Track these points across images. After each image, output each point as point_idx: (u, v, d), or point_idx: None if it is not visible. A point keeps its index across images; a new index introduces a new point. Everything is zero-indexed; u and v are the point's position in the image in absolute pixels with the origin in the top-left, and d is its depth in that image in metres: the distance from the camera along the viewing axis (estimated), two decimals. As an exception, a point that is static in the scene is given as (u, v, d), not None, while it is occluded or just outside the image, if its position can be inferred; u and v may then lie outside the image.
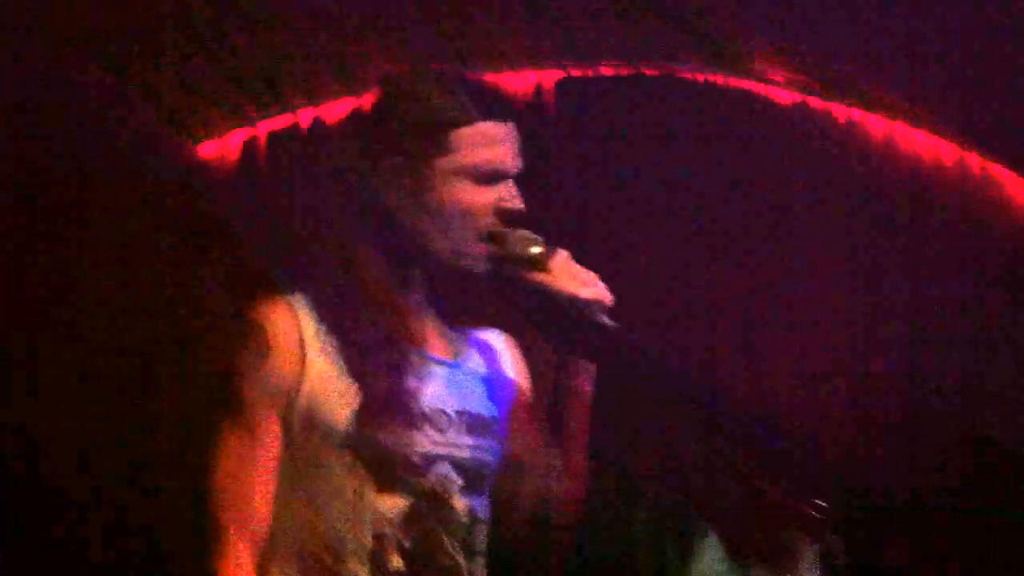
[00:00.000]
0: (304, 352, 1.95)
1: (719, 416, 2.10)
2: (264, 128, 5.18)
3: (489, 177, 1.98)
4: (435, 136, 1.97)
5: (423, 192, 1.97)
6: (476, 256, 1.99)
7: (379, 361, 1.94)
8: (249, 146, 5.19)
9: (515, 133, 2.02)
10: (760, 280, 5.05)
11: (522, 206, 2.00)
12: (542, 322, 1.99)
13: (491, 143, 1.98)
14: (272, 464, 1.95)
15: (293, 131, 5.14)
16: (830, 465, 4.71)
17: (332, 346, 1.96)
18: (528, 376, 2.19)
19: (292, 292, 2.01)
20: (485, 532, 2.05)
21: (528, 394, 2.17)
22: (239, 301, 2.08)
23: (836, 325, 5.06)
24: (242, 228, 4.83)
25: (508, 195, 1.99)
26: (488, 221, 1.98)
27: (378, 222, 1.98)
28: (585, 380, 2.02)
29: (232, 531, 1.93)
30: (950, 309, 5.10)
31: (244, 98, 5.00)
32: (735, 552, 3.98)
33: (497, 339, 2.18)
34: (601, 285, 1.96)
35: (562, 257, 1.96)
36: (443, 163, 1.97)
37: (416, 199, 1.97)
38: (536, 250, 1.97)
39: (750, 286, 5.04)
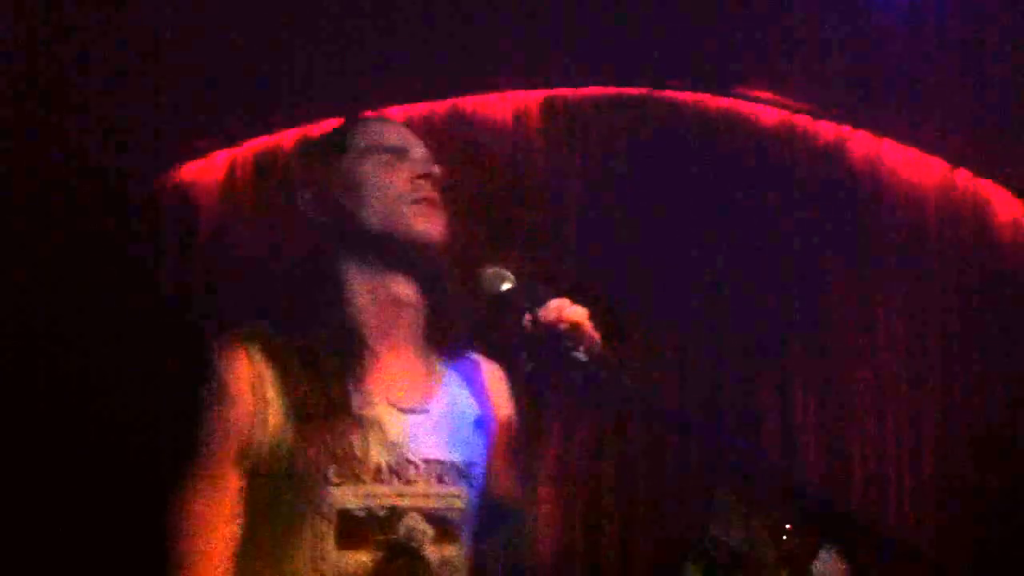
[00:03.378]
0: (261, 403, 1.91)
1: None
2: (248, 148, 5.17)
3: (393, 155, 2.04)
4: (344, 135, 2.08)
5: (343, 177, 2.02)
6: (416, 222, 1.99)
7: (340, 414, 1.90)
8: (234, 166, 5.17)
9: (410, 131, 2.11)
10: (747, 299, 5.02)
11: (436, 169, 2.04)
12: (530, 367, 1.92)
13: (386, 130, 2.08)
14: (234, 514, 1.91)
15: (277, 152, 5.11)
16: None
17: (291, 398, 1.91)
18: (511, 407, 2.12)
19: (252, 339, 1.97)
20: None
21: (510, 429, 2.10)
22: (202, 349, 2.02)
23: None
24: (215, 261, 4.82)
25: (420, 162, 2.04)
26: (407, 190, 2.01)
27: (314, 253, 2.01)
28: (561, 426, 1.95)
29: None
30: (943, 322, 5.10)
31: (229, 118, 4.97)
32: None
33: (478, 369, 2.11)
34: (590, 328, 1.87)
35: (553, 301, 1.90)
36: (346, 155, 2.04)
37: (338, 185, 2.02)
38: (507, 285, 1.95)
39: (736, 303, 5.02)
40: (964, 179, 5.26)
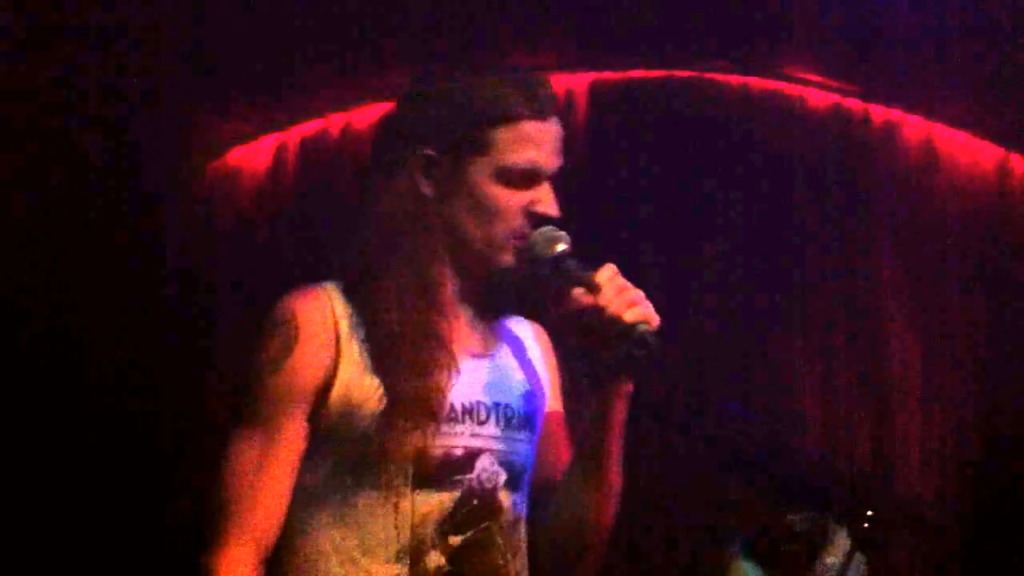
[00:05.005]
0: (339, 344, 1.88)
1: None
2: (295, 133, 5.18)
3: (525, 179, 1.92)
4: (475, 133, 1.92)
5: (459, 187, 1.93)
6: (506, 255, 1.93)
7: (413, 355, 1.87)
8: (281, 151, 5.19)
9: (558, 131, 1.95)
10: (785, 283, 4.96)
11: (556, 211, 1.93)
12: (581, 342, 1.89)
13: (531, 144, 1.92)
14: (289, 465, 1.86)
15: (323, 136, 5.13)
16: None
17: (366, 340, 1.88)
18: (558, 371, 2.10)
19: (327, 287, 1.93)
20: (524, 531, 1.97)
21: (556, 390, 2.09)
22: (271, 292, 1.99)
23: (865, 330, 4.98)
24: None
25: (542, 198, 1.93)
26: (520, 223, 1.93)
27: (413, 214, 1.93)
28: (621, 404, 1.90)
29: (234, 533, 1.83)
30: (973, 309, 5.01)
31: (274, 104, 4.99)
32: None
33: (527, 331, 2.10)
34: (648, 305, 1.83)
35: (609, 271, 1.85)
36: (481, 161, 1.92)
37: (451, 193, 1.93)
38: (561, 247, 1.90)
39: (776, 289, 4.95)
40: (1019, 164, 5.17)
